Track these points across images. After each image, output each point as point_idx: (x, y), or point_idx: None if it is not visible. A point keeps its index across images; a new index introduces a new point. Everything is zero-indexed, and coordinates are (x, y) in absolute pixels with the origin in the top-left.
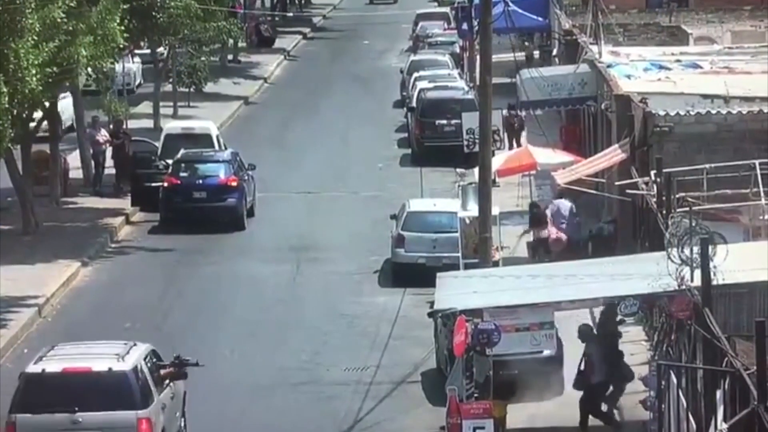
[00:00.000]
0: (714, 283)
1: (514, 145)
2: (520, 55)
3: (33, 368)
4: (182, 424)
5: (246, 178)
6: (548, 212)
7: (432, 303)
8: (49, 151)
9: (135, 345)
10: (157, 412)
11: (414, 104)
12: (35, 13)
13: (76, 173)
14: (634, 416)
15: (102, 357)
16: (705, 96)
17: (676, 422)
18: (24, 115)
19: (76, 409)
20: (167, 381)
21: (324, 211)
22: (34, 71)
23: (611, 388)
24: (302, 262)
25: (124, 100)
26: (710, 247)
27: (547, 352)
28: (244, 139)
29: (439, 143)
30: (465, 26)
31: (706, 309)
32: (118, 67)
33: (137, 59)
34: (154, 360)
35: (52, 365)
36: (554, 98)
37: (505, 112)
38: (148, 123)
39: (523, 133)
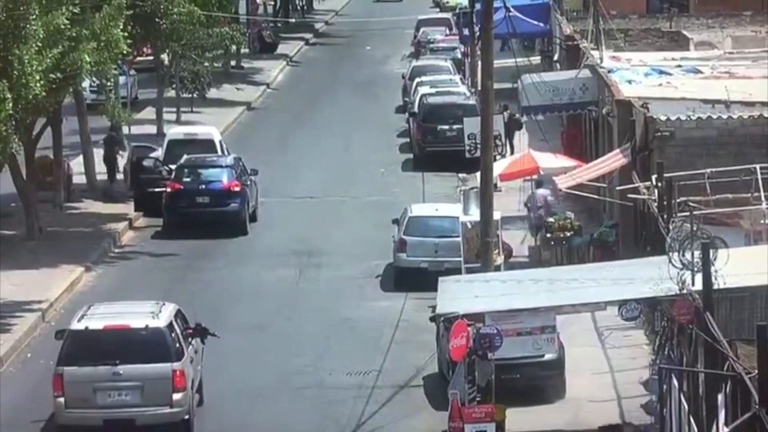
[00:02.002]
0: (715, 287)
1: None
2: (523, 60)
3: (77, 325)
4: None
5: (248, 183)
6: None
7: (434, 307)
8: (53, 156)
9: (164, 304)
10: (187, 364)
11: (416, 109)
12: (39, 19)
13: (79, 179)
14: (635, 420)
15: (138, 315)
16: (706, 101)
17: (677, 426)
18: (28, 121)
19: (117, 362)
20: (190, 338)
21: (326, 215)
22: (37, 77)
23: None
24: (305, 266)
25: (128, 107)
26: (711, 252)
27: (548, 356)
28: (247, 145)
29: (441, 148)
30: (466, 32)
31: (708, 313)
32: (122, 79)
33: (133, 72)
34: (181, 320)
35: (94, 323)
36: (556, 103)
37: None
38: (151, 129)
39: (518, 134)
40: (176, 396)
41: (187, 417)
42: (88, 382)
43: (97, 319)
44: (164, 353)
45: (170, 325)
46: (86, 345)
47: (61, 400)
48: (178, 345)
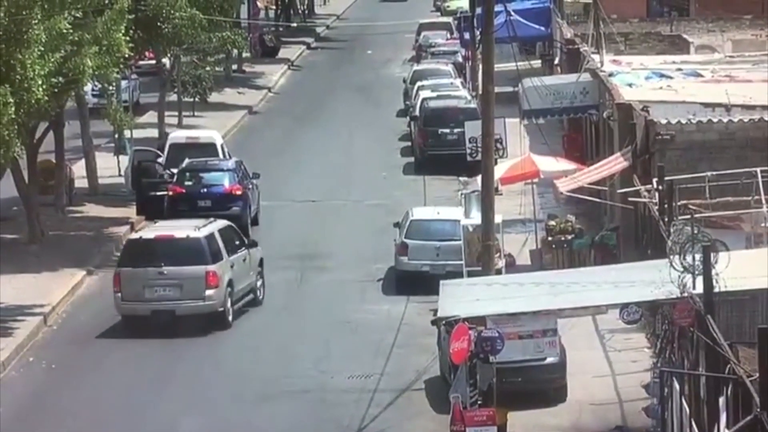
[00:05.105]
0: (716, 290)
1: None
2: (524, 64)
3: (133, 236)
4: (258, 284)
5: (250, 186)
6: None
7: (435, 311)
8: (55, 160)
9: (214, 221)
10: (223, 268)
11: (417, 113)
12: (41, 23)
13: (81, 182)
14: (637, 423)
15: (184, 228)
16: (706, 104)
17: (678, 429)
18: (30, 125)
19: (162, 264)
20: (242, 248)
21: (328, 219)
22: (40, 81)
23: None
24: (306, 270)
25: (130, 111)
26: (712, 255)
27: (550, 359)
28: (249, 148)
29: (442, 152)
30: (467, 36)
31: (708, 316)
32: (124, 83)
33: (135, 75)
34: (231, 233)
35: (147, 234)
36: (556, 107)
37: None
38: (153, 133)
39: (519, 137)
40: (209, 292)
41: (221, 309)
42: (139, 280)
43: (151, 230)
44: (200, 257)
45: (210, 236)
46: (139, 251)
47: (119, 294)
48: (215, 251)
